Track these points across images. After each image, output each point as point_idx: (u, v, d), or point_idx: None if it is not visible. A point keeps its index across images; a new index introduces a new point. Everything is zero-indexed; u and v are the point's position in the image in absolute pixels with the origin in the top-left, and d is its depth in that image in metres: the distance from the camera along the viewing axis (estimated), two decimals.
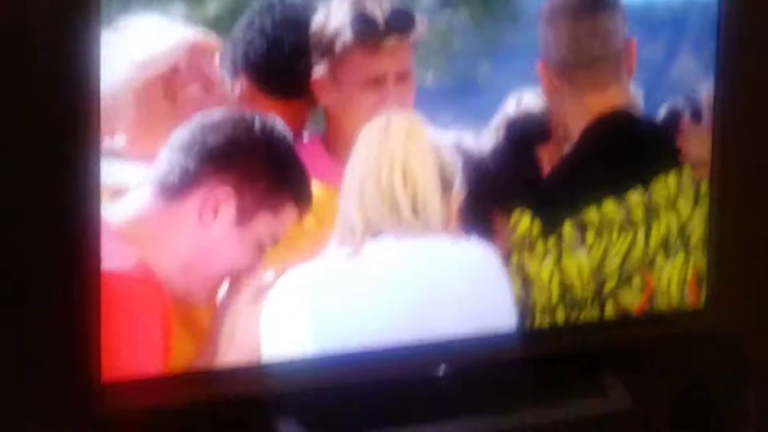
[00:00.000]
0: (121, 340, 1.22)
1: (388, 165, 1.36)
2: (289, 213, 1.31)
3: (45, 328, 1.31)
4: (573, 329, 1.50)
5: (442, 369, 1.46)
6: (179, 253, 1.26)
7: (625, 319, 1.55)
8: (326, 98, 1.39)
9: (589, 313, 1.54)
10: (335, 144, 1.41)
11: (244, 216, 1.27)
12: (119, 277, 1.22)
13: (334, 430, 1.35)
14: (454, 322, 1.40)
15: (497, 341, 1.44)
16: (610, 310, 1.55)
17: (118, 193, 1.26)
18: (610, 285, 1.54)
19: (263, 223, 1.29)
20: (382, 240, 1.37)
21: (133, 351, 1.24)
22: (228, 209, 1.26)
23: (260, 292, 1.30)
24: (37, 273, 1.31)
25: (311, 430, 1.33)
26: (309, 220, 1.35)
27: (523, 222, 1.50)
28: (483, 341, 1.43)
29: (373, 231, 1.37)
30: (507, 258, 1.48)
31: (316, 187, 1.35)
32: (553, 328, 1.49)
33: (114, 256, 1.22)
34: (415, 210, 1.37)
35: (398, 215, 1.37)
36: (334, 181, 1.37)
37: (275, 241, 1.30)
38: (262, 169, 1.28)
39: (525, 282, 1.49)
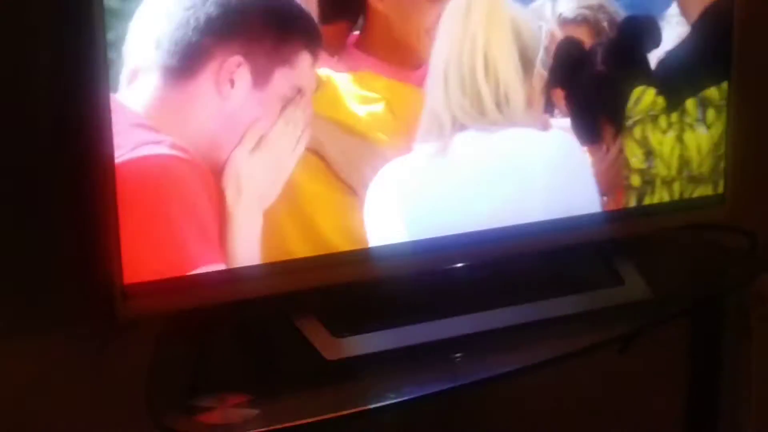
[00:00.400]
0: (159, 236, 1.23)
1: (470, 50, 1.36)
2: (304, 60, 1.29)
3: (63, 230, 1.32)
4: (590, 220, 1.50)
5: (450, 263, 1.46)
6: (206, 130, 1.25)
7: (642, 208, 1.54)
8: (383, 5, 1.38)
9: (704, 190, 1.58)
10: (377, 45, 1.39)
11: (261, 77, 1.26)
12: (157, 165, 1.22)
13: (354, 326, 1.36)
14: (538, 212, 1.44)
15: (513, 233, 1.44)
16: (722, 187, 1.59)
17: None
18: (725, 163, 1.59)
19: (282, 78, 1.28)
20: (467, 134, 1.38)
21: (170, 246, 1.24)
22: (243, 75, 1.25)
23: (262, 141, 1.29)
24: (53, 173, 1.31)
25: (331, 326, 1.34)
26: (389, 117, 1.37)
27: (648, 96, 1.51)
28: (493, 234, 1.43)
29: (458, 125, 1.38)
30: (630, 129, 1.52)
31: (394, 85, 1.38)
32: (573, 218, 1.48)
33: (147, 144, 1.21)
34: (498, 103, 1.38)
35: (481, 109, 1.37)
36: (395, 77, 1.39)
37: (299, 91, 1.29)
38: (265, 26, 1.26)
39: (648, 154, 1.52)
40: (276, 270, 1.31)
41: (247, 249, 1.29)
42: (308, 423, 1.20)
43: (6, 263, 1.31)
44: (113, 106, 1.19)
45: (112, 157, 1.19)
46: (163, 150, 1.22)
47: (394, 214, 1.38)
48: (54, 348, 1.36)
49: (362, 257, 1.36)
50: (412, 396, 1.29)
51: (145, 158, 1.20)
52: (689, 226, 1.61)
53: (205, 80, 1.24)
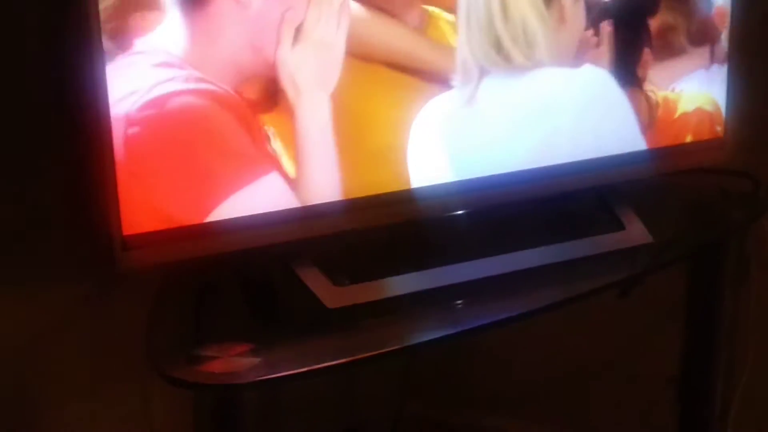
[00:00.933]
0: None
1: None
2: None
3: (64, 181, 1.31)
4: (585, 165, 1.49)
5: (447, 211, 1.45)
6: (242, 44, 1.24)
7: (642, 152, 1.53)
8: None
9: None
10: None
11: None
12: (171, 104, 1.19)
13: (356, 274, 1.35)
14: (572, 152, 1.44)
15: (511, 179, 1.43)
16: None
17: None
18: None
19: None
20: (493, 79, 1.37)
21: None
22: None
23: (299, 32, 1.27)
24: (55, 122, 1.30)
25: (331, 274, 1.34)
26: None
27: None
28: (491, 181, 1.42)
29: (484, 71, 1.37)
30: None
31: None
32: (568, 164, 1.47)
33: (160, 83, 1.19)
34: (521, 47, 1.37)
35: (506, 54, 1.36)
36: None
37: None
38: None
39: None
40: (280, 218, 1.30)
41: (319, 140, 1.29)
42: (311, 370, 1.20)
43: (7, 215, 1.31)
44: (143, 47, 1.18)
45: (107, 105, 1.17)
46: (175, 86, 1.20)
47: (421, 158, 1.37)
48: (55, 300, 1.36)
49: (370, 203, 1.35)
50: (412, 342, 1.29)
51: (156, 100, 1.19)
52: (690, 170, 1.60)
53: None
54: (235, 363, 1.21)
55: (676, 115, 1.57)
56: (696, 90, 1.57)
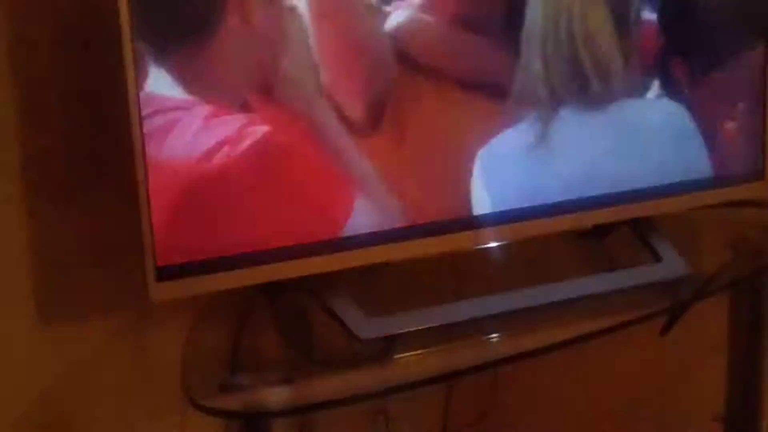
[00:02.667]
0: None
1: (567, 18, 1.31)
2: None
3: (104, 219, 1.33)
4: (625, 197, 1.48)
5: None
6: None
7: (678, 185, 1.52)
8: None
9: None
10: None
11: None
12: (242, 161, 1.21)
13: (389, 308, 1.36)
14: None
15: (549, 211, 1.43)
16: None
17: None
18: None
19: None
20: (567, 109, 1.35)
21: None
22: None
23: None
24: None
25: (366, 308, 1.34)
26: None
27: None
28: (528, 212, 1.42)
29: (557, 100, 1.34)
30: None
31: None
32: (604, 197, 1.47)
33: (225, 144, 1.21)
34: (598, 76, 1.34)
35: (583, 81, 1.34)
36: None
37: None
38: None
39: None
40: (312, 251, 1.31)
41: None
42: (340, 399, 1.20)
43: (48, 250, 1.33)
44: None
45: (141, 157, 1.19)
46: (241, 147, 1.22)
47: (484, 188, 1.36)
48: (92, 333, 1.38)
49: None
50: (443, 373, 1.28)
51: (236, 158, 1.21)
52: (727, 204, 1.58)
53: (231, 23, 1.18)
54: (268, 393, 1.22)
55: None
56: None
